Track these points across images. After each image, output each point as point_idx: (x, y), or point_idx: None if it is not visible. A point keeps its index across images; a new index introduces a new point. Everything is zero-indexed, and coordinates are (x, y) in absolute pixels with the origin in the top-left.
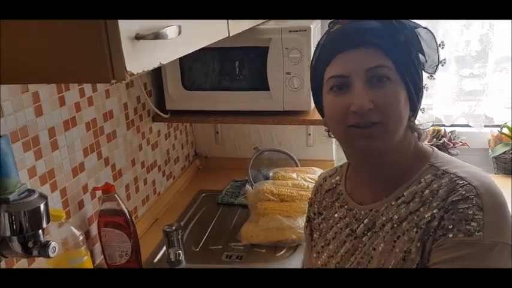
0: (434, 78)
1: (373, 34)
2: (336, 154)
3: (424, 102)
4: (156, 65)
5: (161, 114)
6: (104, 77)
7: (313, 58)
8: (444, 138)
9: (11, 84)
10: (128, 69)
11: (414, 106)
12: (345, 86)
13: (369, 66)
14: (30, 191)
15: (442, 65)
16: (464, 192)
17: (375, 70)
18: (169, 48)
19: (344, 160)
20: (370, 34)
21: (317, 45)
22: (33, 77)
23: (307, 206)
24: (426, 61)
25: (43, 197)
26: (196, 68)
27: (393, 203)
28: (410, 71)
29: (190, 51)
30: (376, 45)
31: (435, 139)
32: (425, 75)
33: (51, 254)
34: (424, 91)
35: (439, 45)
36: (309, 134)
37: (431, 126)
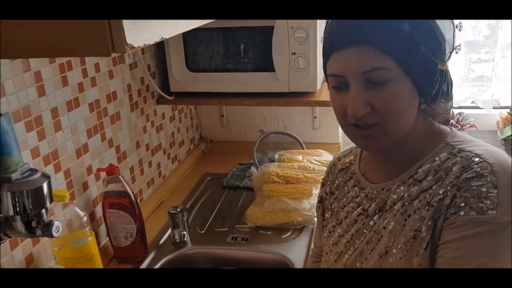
0: (447, 66)
1: (371, 29)
2: (342, 137)
3: None
4: (157, 39)
5: (165, 96)
6: (104, 50)
7: (323, 38)
8: (452, 120)
9: (10, 58)
10: (128, 42)
11: (425, 93)
12: (343, 85)
13: (364, 69)
14: (33, 170)
15: (457, 53)
16: (478, 169)
17: (371, 73)
18: (171, 22)
19: (350, 143)
20: (368, 29)
21: (325, 26)
22: (33, 51)
23: (319, 186)
24: (440, 45)
25: (46, 176)
26: (201, 49)
27: (405, 181)
28: (416, 63)
29: (194, 27)
30: (374, 43)
31: None
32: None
33: (54, 234)
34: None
35: (456, 27)
36: (315, 117)
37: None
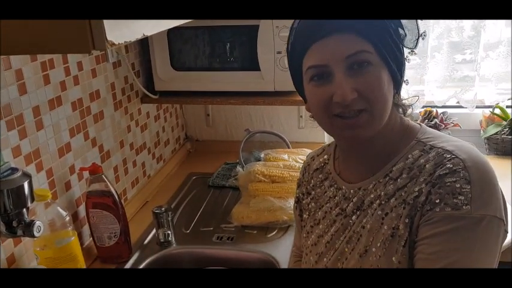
0: (415, 53)
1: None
2: (327, 136)
3: (417, 88)
4: (139, 36)
5: (150, 95)
6: (84, 47)
7: (288, 43)
8: (436, 119)
9: None
10: (108, 39)
11: (398, 83)
12: (326, 75)
13: (348, 53)
14: (14, 170)
15: (423, 38)
16: (451, 166)
17: (354, 57)
18: (153, 20)
19: None
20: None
21: (290, 28)
22: (10, 48)
23: (296, 186)
24: (406, 35)
25: (26, 175)
26: (186, 47)
27: (381, 180)
28: (391, 50)
29: (176, 25)
30: (353, 30)
31: (427, 120)
32: (406, 50)
33: (36, 234)
34: (406, 63)
35: None
36: (301, 116)
37: (423, 107)
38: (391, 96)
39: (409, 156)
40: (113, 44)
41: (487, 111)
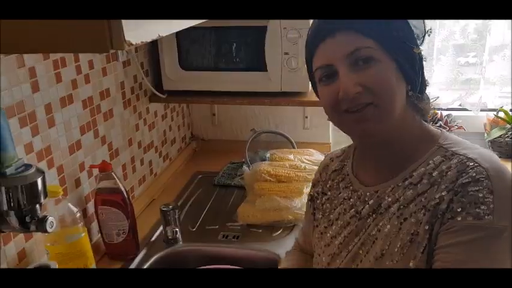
0: (421, 50)
1: None
2: (332, 137)
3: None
4: (154, 37)
5: (158, 94)
6: (102, 46)
7: (305, 47)
8: (440, 122)
9: (6, 54)
10: (126, 39)
11: (411, 81)
12: (332, 74)
13: (348, 51)
14: (27, 166)
15: (429, 35)
16: (474, 174)
17: (355, 54)
18: (169, 20)
19: (341, 143)
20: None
21: (307, 34)
22: (29, 47)
23: (310, 185)
24: (413, 32)
25: (40, 171)
26: (194, 47)
27: (400, 184)
28: (397, 45)
29: (191, 25)
30: (354, 28)
31: (431, 122)
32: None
33: (48, 229)
34: (424, 62)
35: None
36: (306, 117)
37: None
38: (400, 92)
39: (430, 162)
40: (130, 44)
41: (491, 114)
